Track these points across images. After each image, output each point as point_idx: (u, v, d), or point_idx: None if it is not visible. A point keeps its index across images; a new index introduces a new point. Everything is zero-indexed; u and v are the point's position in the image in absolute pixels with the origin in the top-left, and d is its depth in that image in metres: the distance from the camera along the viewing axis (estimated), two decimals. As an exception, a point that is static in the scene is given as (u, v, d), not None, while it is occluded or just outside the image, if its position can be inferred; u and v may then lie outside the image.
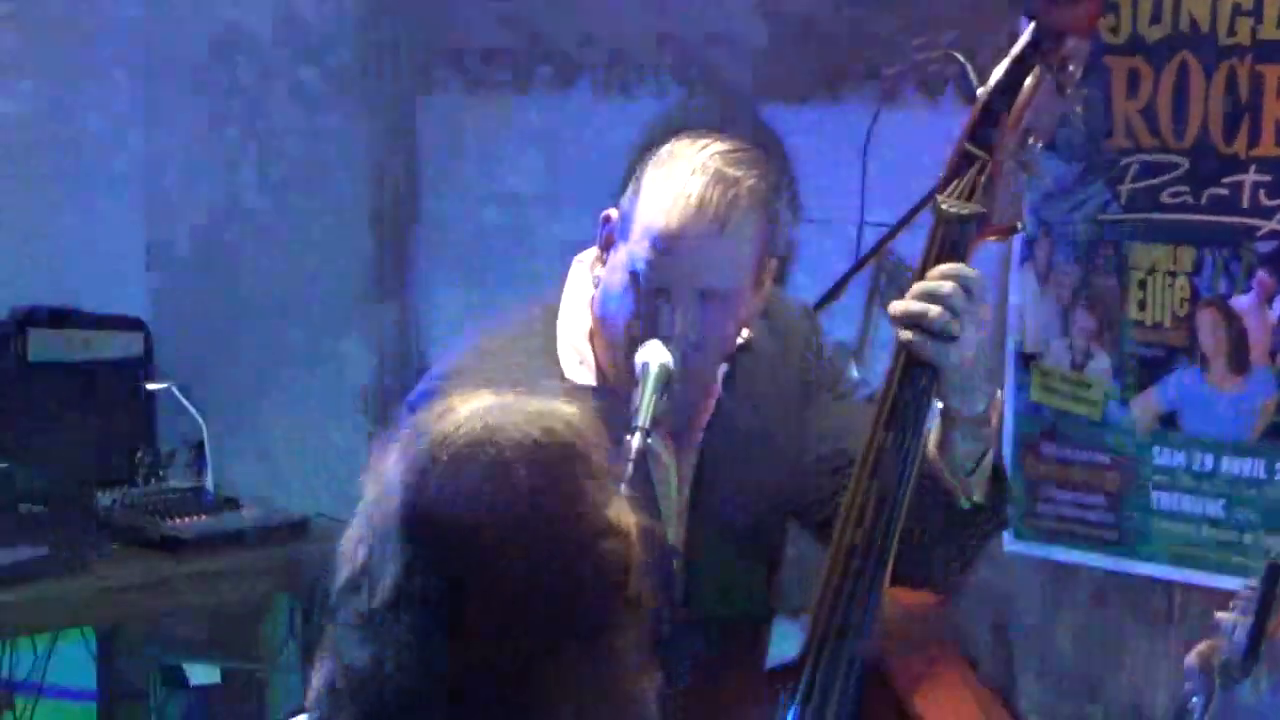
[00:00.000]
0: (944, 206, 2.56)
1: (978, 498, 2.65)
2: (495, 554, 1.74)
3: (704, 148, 2.64)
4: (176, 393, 4.30)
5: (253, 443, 5.29)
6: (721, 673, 2.75)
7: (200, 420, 4.93)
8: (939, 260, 2.55)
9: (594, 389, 2.66)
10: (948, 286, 2.52)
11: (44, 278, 5.34)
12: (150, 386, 4.83)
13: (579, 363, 2.70)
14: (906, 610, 2.66)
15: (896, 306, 2.56)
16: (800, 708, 2.55)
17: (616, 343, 2.64)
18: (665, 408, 2.55)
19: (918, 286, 2.55)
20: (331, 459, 5.11)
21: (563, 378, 2.68)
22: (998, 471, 2.69)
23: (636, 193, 2.64)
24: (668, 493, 2.70)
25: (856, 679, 2.55)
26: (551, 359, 2.70)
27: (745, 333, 2.74)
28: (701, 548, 2.72)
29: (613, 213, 2.69)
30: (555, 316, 2.74)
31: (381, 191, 5.10)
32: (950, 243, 2.54)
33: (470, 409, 1.81)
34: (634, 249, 2.61)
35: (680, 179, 2.60)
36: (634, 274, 2.61)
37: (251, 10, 5.30)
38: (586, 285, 2.73)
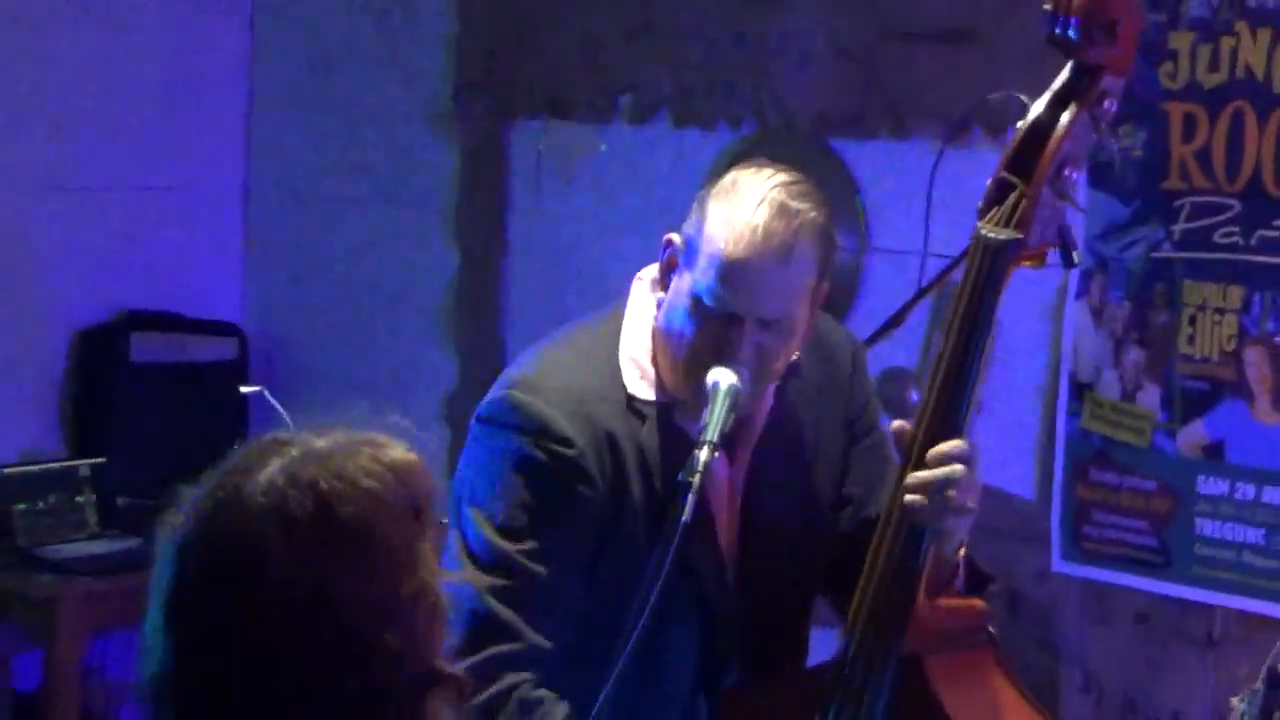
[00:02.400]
0: (982, 231, 2.60)
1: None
2: (232, 619, 1.57)
3: (768, 178, 2.69)
4: (269, 396, 4.40)
5: (339, 446, 5.36)
6: (766, 674, 2.88)
7: (290, 423, 5.02)
8: (977, 283, 2.59)
9: (657, 402, 2.78)
10: (960, 470, 2.57)
11: (147, 283, 5.47)
12: (244, 389, 4.90)
13: (640, 377, 2.78)
14: (943, 611, 2.72)
15: (915, 478, 2.57)
16: (839, 706, 2.64)
17: (679, 362, 2.73)
18: (730, 423, 2.66)
19: (925, 475, 2.56)
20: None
21: (625, 390, 2.78)
22: (976, 569, 2.77)
23: (702, 220, 2.69)
24: (722, 502, 2.81)
25: (893, 677, 2.63)
26: (615, 371, 2.78)
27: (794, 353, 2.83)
28: (752, 554, 2.84)
29: (675, 237, 2.75)
30: (618, 331, 2.80)
31: (470, 212, 5.23)
32: (987, 267, 2.59)
33: (279, 462, 1.64)
34: (699, 275, 2.67)
35: (746, 210, 2.65)
36: (698, 298, 2.68)
37: (349, 36, 5.45)
38: (648, 304, 2.80)
